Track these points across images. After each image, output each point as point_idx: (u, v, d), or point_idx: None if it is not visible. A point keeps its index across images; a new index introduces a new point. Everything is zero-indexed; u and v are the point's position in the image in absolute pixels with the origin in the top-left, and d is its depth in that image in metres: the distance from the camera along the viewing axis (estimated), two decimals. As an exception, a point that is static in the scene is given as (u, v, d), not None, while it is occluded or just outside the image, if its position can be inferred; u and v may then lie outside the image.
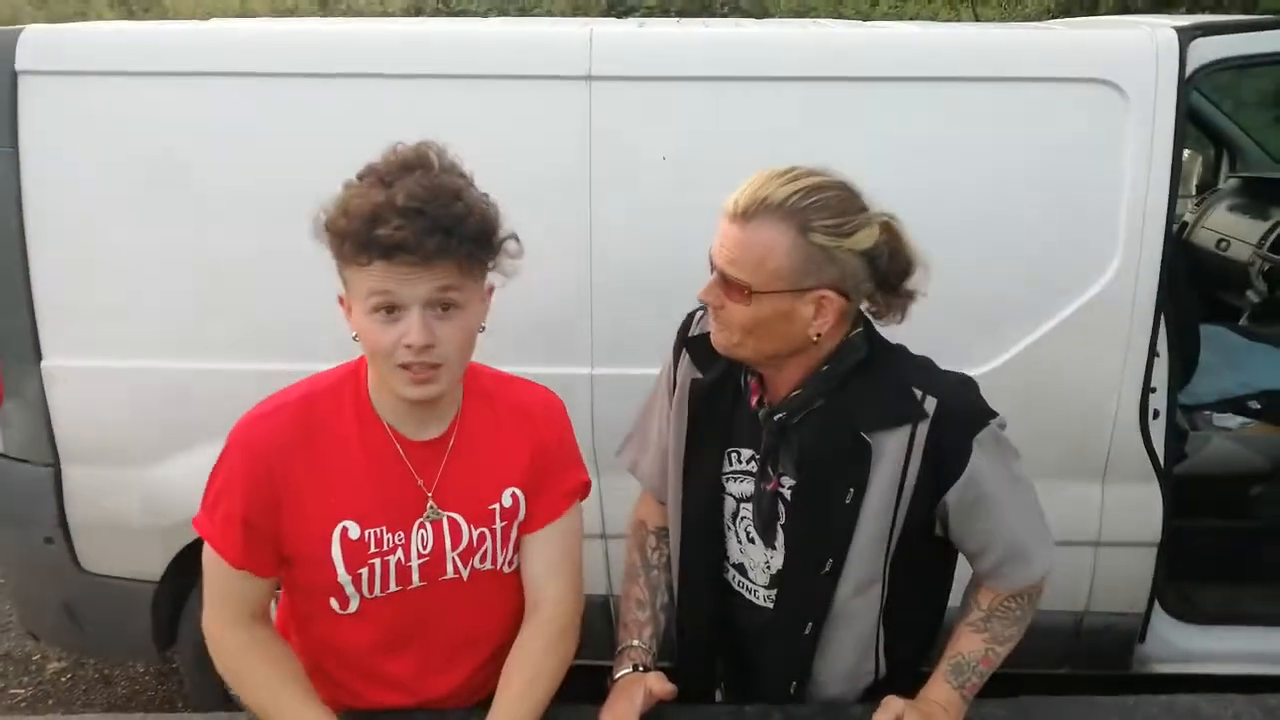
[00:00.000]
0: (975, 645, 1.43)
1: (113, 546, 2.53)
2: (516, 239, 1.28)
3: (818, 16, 2.39)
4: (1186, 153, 3.69)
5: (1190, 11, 5.65)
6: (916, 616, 1.51)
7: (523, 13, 7.05)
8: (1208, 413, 3.10)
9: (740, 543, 1.49)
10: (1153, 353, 2.26)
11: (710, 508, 1.48)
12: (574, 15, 2.24)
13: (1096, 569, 2.43)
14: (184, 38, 2.33)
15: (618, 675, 1.47)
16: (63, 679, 3.23)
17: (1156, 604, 2.50)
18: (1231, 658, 2.54)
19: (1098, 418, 2.31)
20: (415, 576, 1.36)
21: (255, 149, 2.26)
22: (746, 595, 1.51)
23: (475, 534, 1.37)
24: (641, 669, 1.46)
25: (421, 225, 1.15)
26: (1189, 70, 2.15)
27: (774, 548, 1.45)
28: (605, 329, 2.30)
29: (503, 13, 6.99)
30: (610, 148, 2.21)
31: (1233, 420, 3.07)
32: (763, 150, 2.21)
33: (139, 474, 2.44)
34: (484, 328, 1.31)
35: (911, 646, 1.53)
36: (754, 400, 1.43)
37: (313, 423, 1.32)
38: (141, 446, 2.42)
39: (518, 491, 1.39)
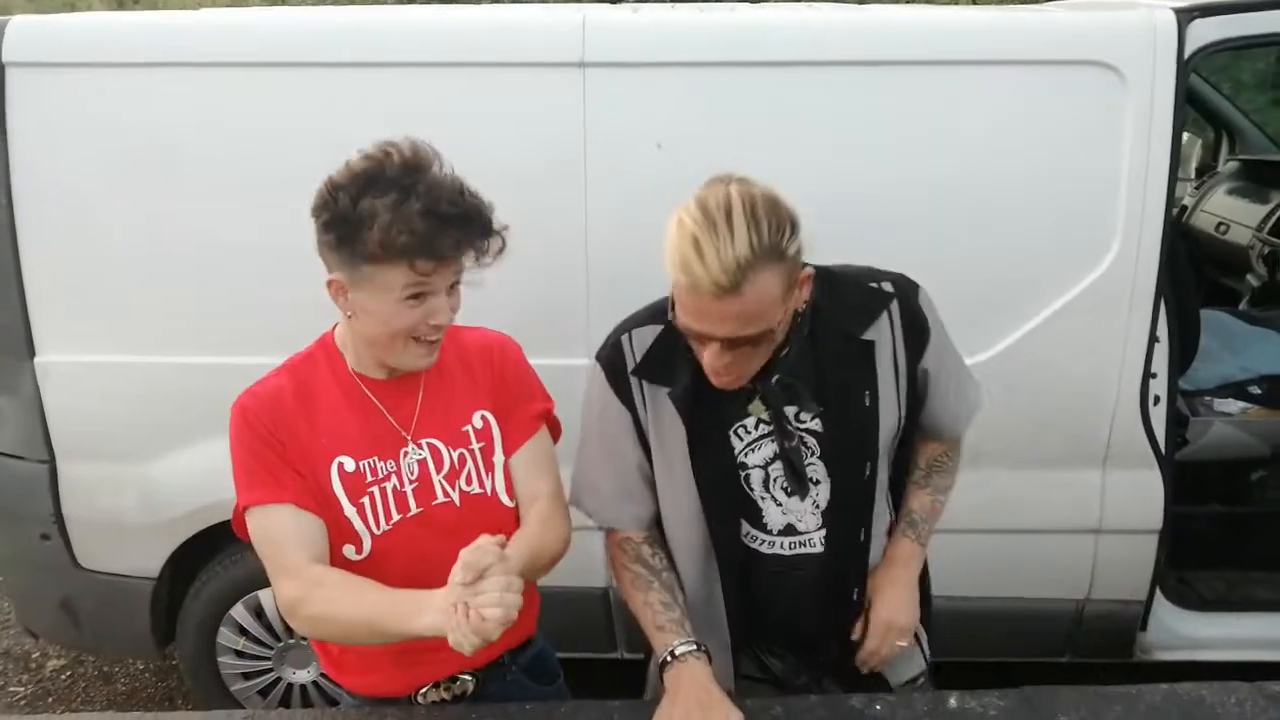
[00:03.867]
0: (922, 500, 1.60)
1: (110, 543, 2.52)
2: (507, 228, 1.38)
3: (813, 1, 2.37)
4: (1185, 136, 3.68)
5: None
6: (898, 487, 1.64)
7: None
8: (1208, 398, 3.08)
9: (780, 505, 1.49)
10: (1153, 338, 2.25)
11: (737, 489, 1.49)
12: (567, 0, 2.21)
13: (1097, 556, 2.42)
14: (173, 29, 2.30)
15: (696, 675, 1.42)
16: (62, 676, 3.23)
17: (1158, 591, 2.49)
18: (1233, 644, 2.53)
19: (1098, 404, 2.30)
20: (412, 502, 1.45)
21: (247, 140, 2.24)
22: (806, 550, 1.51)
23: (455, 455, 1.48)
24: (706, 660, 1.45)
25: (468, 231, 1.31)
26: (1188, 52, 2.13)
27: (813, 487, 1.49)
28: (601, 319, 2.28)
29: (495, -2, 6.94)
30: (604, 135, 2.19)
31: (1233, 405, 3.05)
32: (758, 136, 2.22)
33: (136, 470, 2.43)
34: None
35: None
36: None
37: (299, 384, 1.45)
38: (138, 443, 2.42)
39: (486, 414, 1.52)
